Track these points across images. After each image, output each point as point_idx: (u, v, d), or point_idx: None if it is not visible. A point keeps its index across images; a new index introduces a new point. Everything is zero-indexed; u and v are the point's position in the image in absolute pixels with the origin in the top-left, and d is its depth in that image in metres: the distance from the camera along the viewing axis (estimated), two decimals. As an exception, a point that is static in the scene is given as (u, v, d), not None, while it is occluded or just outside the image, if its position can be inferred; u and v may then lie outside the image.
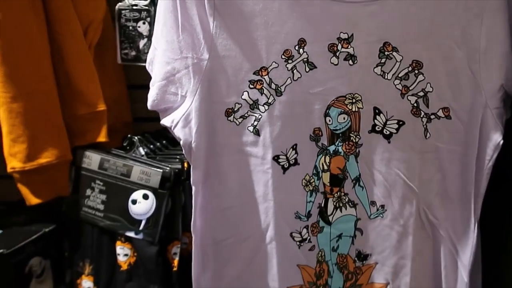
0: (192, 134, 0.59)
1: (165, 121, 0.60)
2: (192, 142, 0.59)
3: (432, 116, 0.60)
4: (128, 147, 0.78)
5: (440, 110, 0.60)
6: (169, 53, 0.58)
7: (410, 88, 0.60)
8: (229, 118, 0.61)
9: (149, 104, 0.60)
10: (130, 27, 0.75)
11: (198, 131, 0.59)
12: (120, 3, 0.75)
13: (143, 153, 0.76)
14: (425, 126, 0.61)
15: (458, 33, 0.57)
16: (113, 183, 0.74)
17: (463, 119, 0.60)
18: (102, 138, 0.76)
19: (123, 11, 0.75)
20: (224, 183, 0.62)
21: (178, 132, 0.59)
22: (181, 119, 0.58)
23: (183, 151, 0.60)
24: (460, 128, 0.60)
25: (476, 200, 0.61)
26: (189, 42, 0.57)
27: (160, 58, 0.59)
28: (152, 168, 0.72)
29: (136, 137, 0.78)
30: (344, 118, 0.61)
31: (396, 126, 0.61)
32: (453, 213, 0.62)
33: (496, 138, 0.58)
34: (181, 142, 0.59)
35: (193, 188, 0.61)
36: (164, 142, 0.82)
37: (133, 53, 0.76)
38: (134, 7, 0.74)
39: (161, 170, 0.71)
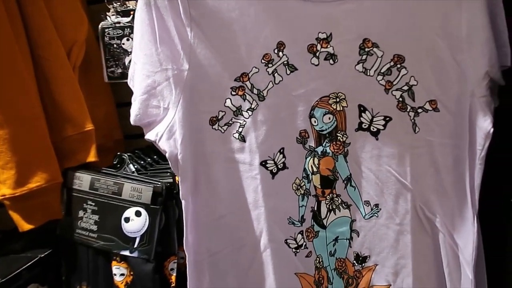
0: (178, 146, 0.58)
1: (150, 135, 0.60)
2: (178, 153, 0.58)
3: (420, 110, 0.59)
4: (118, 165, 0.78)
5: (427, 103, 0.59)
6: (149, 66, 0.58)
7: (394, 83, 0.59)
8: (213, 127, 0.60)
9: (132, 120, 0.60)
10: (115, 45, 0.76)
11: (183, 142, 0.58)
12: (103, 22, 0.76)
13: (133, 169, 0.76)
14: (413, 120, 0.60)
15: (438, 23, 0.56)
16: (105, 203, 0.73)
17: (452, 110, 0.58)
18: (92, 158, 0.76)
19: (106, 30, 0.76)
20: (214, 192, 0.61)
21: (163, 145, 0.58)
22: (165, 131, 0.58)
23: (170, 164, 0.59)
24: (449, 120, 0.59)
25: (472, 193, 0.59)
26: (168, 53, 0.57)
27: (140, 72, 0.59)
28: (143, 184, 0.71)
29: (126, 155, 0.77)
30: (329, 118, 0.60)
31: (383, 122, 0.60)
32: (451, 208, 0.61)
33: (486, 126, 0.57)
34: (167, 155, 0.59)
35: (183, 202, 0.60)
36: (155, 157, 0.81)
37: (119, 70, 0.77)
38: (117, 25, 0.75)
39: (152, 186, 0.70)
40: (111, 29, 0.75)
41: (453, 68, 0.57)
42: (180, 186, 0.60)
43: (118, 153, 0.78)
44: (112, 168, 0.77)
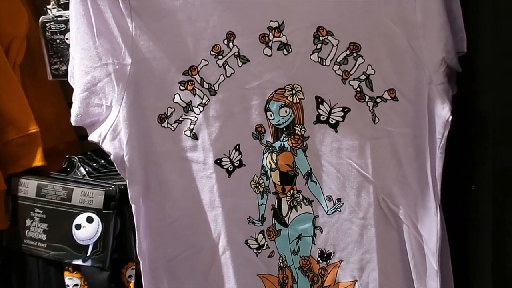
0: (123, 147, 0.54)
1: (93, 137, 0.56)
2: (124, 155, 0.55)
3: (378, 100, 0.57)
4: (68, 169, 0.73)
5: (386, 92, 0.57)
6: (87, 62, 0.53)
7: (351, 73, 0.57)
8: (162, 124, 0.56)
9: (73, 120, 0.55)
10: (58, 40, 0.70)
11: (129, 142, 0.54)
12: (43, 16, 0.70)
13: (84, 173, 0.71)
14: (372, 110, 0.58)
15: (393, 9, 0.54)
16: (53, 209, 0.68)
17: (411, 99, 0.57)
18: (38, 162, 0.71)
19: (47, 24, 0.70)
20: (167, 194, 0.57)
21: (107, 146, 0.54)
22: (109, 132, 0.54)
23: (116, 166, 0.55)
24: (408, 109, 0.57)
25: (434, 182, 0.58)
26: (108, 47, 0.53)
27: (78, 68, 0.54)
28: (94, 188, 0.66)
29: (76, 157, 0.72)
30: (286, 111, 0.57)
31: (342, 113, 0.57)
32: (414, 199, 0.59)
33: (445, 114, 0.55)
34: (112, 157, 0.55)
35: (133, 206, 0.56)
36: (109, 158, 0.76)
37: (64, 67, 0.70)
38: (59, 19, 0.69)
39: (104, 189, 0.66)
40: (52, 23, 0.69)
41: (410, 55, 0.56)
42: (129, 190, 0.56)
43: (67, 156, 0.73)
44: (62, 173, 0.73)
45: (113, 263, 0.67)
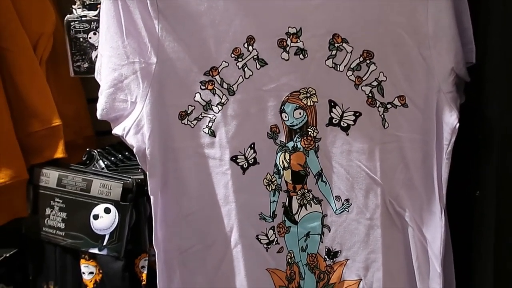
0: (145, 141, 0.57)
1: (117, 130, 0.58)
2: (146, 148, 0.57)
3: (389, 106, 0.60)
4: (87, 162, 0.76)
5: (396, 98, 0.60)
6: (115, 59, 0.56)
7: (363, 79, 0.59)
8: (183, 121, 0.59)
9: (99, 114, 0.58)
10: (81, 39, 0.73)
11: (151, 136, 0.57)
12: (68, 15, 0.73)
13: (103, 166, 0.74)
14: (382, 116, 0.60)
15: (405, 20, 0.57)
16: (73, 200, 0.71)
17: (420, 106, 0.59)
18: (59, 154, 0.74)
19: (72, 23, 0.73)
20: (183, 188, 0.60)
21: (131, 140, 0.57)
22: (133, 126, 0.57)
23: (138, 159, 0.58)
24: (418, 115, 0.60)
25: (440, 187, 0.60)
26: (135, 46, 0.56)
27: (106, 65, 0.57)
28: (112, 181, 0.69)
29: (95, 151, 0.75)
30: (300, 113, 0.60)
31: (353, 117, 0.60)
32: (420, 202, 0.62)
33: (452, 122, 0.58)
34: (135, 150, 0.58)
35: (152, 198, 0.59)
36: (126, 153, 0.79)
37: (86, 65, 0.74)
38: (84, 18, 0.73)
39: (122, 182, 0.69)
40: (77, 22, 0.73)
41: (420, 64, 0.58)
42: (149, 182, 0.58)
43: (88, 149, 0.76)
44: (81, 165, 0.76)
45: (127, 254, 0.69)
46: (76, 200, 0.71)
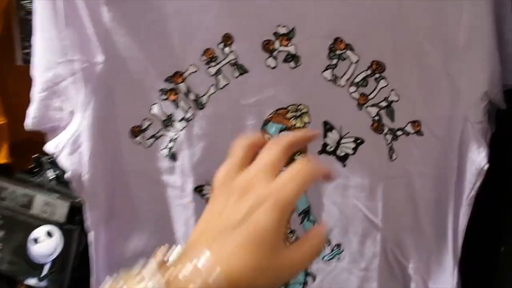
0: (84, 163, 0.45)
1: (49, 147, 0.46)
2: (84, 173, 0.45)
3: (399, 132, 0.48)
4: (36, 170, 0.64)
5: (409, 124, 0.48)
6: (50, 56, 0.44)
7: (370, 97, 0.47)
8: (135, 139, 0.47)
9: (29, 123, 0.46)
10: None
11: (92, 158, 0.45)
12: (19, -9, 0.61)
13: (52, 177, 0.62)
14: (390, 144, 0.48)
15: (431, 23, 0.44)
16: (11, 217, 0.59)
17: (439, 135, 0.47)
18: (2, 159, 0.62)
19: (22, 2, 0.61)
20: (134, 222, 0.48)
21: (64, 161, 0.45)
22: (68, 143, 0.44)
23: (73, 186, 0.46)
24: (435, 147, 0.48)
25: (455, 238, 0.49)
26: (76, 40, 0.43)
27: (39, 62, 0.44)
28: (59, 198, 0.58)
29: (45, 157, 0.64)
30: (286, 137, 0.48)
31: (353, 145, 0.48)
32: (428, 253, 0.51)
33: (480, 161, 0.46)
34: (68, 175, 0.45)
35: (91, 233, 0.47)
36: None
37: (38, 53, 0.62)
38: (37, -3, 0.60)
39: (69, 200, 0.57)
40: (29, 1, 0.60)
41: (444, 82, 0.46)
42: (87, 215, 0.47)
43: (36, 155, 0.64)
44: (29, 173, 0.64)
45: (74, 283, 0.59)
46: (15, 217, 0.58)
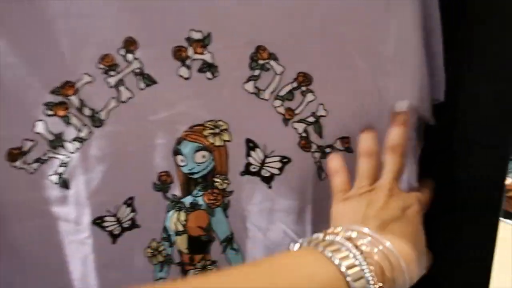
0: None
1: None
2: None
3: (328, 150, 0.44)
4: None
5: (338, 141, 0.44)
6: None
7: (296, 112, 0.42)
8: (15, 164, 0.38)
9: None
10: None
11: (-45, 188, 0.36)
12: None
13: None
14: (318, 163, 0.44)
15: (359, 35, 0.40)
16: None
17: (368, 152, 0.44)
18: None
19: None
20: (19, 264, 0.39)
21: None
22: None
23: None
24: (364, 164, 0.45)
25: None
26: None
27: None
28: None
29: None
30: (204, 156, 0.42)
31: (279, 164, 0.43)
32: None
33: (409, 178, 0.43)
34: None
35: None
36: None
37: None
38: None
39: None
40: None
41: (373, 96, 0.42)
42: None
43: None
44: None
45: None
46: None
